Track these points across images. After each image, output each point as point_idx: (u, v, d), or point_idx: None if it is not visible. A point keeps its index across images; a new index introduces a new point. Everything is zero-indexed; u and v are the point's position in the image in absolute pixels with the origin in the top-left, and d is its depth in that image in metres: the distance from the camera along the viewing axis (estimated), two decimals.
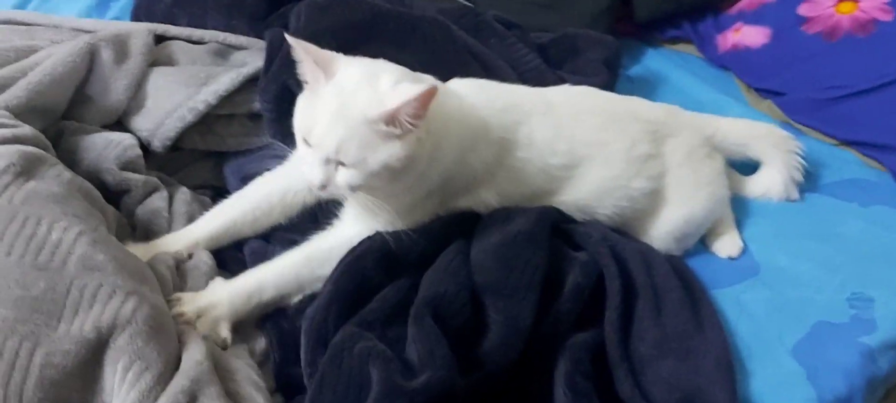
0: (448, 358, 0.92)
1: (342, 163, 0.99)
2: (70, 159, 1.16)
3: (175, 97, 1.25)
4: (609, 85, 1.59)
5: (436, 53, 1.37)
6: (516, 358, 1.01)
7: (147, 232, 1.17)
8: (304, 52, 1.01)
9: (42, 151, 1.03)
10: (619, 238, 1.20)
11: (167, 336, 0.89)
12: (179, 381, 0.83)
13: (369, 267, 1.02)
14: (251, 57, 1.37)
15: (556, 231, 1.17)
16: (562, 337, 1.06)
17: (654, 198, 1.28)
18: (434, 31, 1.42)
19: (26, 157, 0.99)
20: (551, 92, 1.31)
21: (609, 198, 1.25)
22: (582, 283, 1.10)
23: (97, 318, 0.84)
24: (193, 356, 0.87)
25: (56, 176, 1.00)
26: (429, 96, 0.97)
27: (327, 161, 0.99)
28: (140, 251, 1.10)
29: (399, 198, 1.08)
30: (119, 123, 1.27)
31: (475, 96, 1.18)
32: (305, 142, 1.01)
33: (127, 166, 1.17)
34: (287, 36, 1.03)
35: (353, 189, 1.01)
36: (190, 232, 1.16)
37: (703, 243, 1.36)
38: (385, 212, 1.07)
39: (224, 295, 1.04)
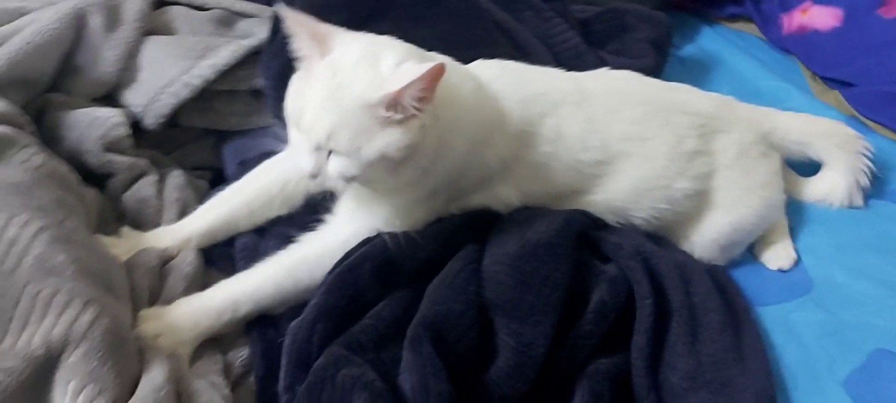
0: (446, 395, 0.80)
1: (335, 151, 0.88)
2: (52, 137, 1.07)
3: (170, 70, 1.15)
4: (656, 68, 1.44)
5: (459, 29, 1.22)
6: (528, 388, 0.89)
7: (136, 222, 1.07)
8: (297, 25, 0.89)
9: (12, 132, 0.94)
10: (655, 249, 1.06)
11: (127, 355, 0.79)
12: None
13: (364, 278, 0.90)
14: (258, 27, 1.25)
15: (583, 239, 1.04)
16: (581, 363, 0.94)
17: (698, 201, 1.14)
18: (458, 4, 1.28)
19: None
20: (588, 78, 1.17)
21: (646, 200, 1.11)
22: (608, 302, 0.97)
23: (48, 331, 0.75)
24: (153, 379, 0.77)
25: (23, 161, 0.90)
26: (435, 76, 0.84)
27: (318, 148, 0.88)
28: (126, 244, 1.01)
29: (400, 194, 0.97)
30: (110, 97, 1.17)
31: (496, 81, 1.05)
32: (297, 127, 0.90)
33: (112, 147, 1.07)
34: (282, 5, 0.91)
35: (347, 180, 0.90)
36: (182, 228, 1.05)
37: (751, 252, 1.22)
38: (384, 209, 0.96)
39: (188, 315, 0.92)
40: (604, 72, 1.22)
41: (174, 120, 1.19)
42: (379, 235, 0.96)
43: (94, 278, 0.82)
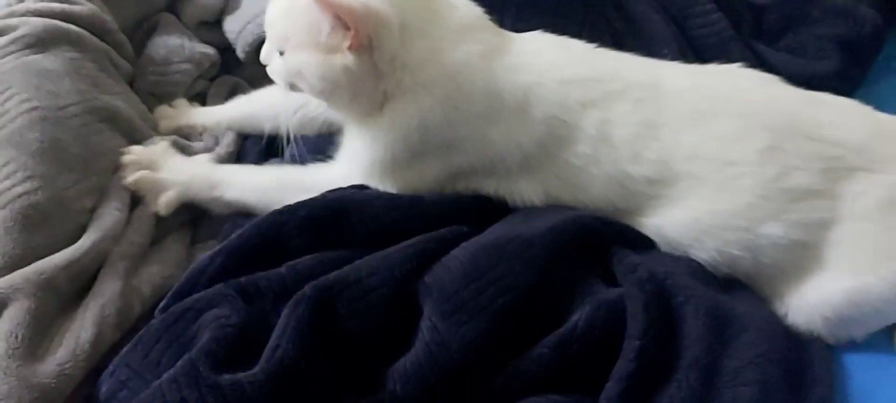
0: (291, 363, 0.69)
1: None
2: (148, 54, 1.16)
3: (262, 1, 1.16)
4: (842, 77, 1.10)
5: None
6: (426, 399, 0.74)
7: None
8: None
9: (80, 31, 1.03)
10: (688, 283, 0.81)
11: (46, 231, 0.82)
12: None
13: (292, 224, 0.82)
14: None
15: (589, 249, 0.84)
16: (519, 393, 0.76)
17: (798, 255, 0.85)
18: None
19: (48, 32, 0.98)
20: (673, 71, 0.94)
21: (712, 240, 0.86)
22: (580, 329, 0.77)
23: None
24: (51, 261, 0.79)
25: (64, 53, 0.98)
26: (333, 5, 0.77)
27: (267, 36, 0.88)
28: (172, 112, 1.09)
29: (374, 146, 0.88)
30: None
31: (535, 55, 0.90)
32: None
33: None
34: None
35: (285, 84, 0.87)
36: (214, 112, 1.10)
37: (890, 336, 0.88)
38: (364, 158, 0.89)
39: (186, 170, 0.95)
40: (713, 68, 0.96)
41: None
42: (350, 190, 0.88)
43: (57, 156, 0.86)
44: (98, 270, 0.83)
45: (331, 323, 0.74)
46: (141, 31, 1.20)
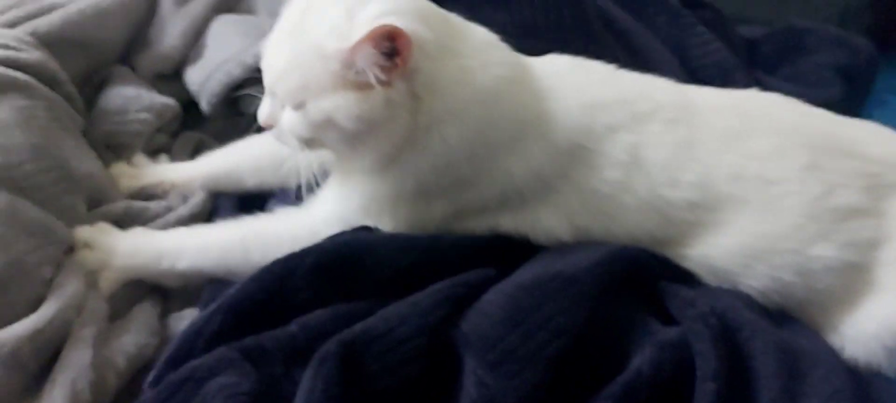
0: None
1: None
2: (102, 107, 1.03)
3: (229, 48, 1.06)
4: (845, 105, 1.06)
5: (545, 16, 0.98)
6: None
7: None
8: None
9: (28, 78, 0.90)
10: (750, 318, 0.73)
11: (3, 300, 0.70)
12: None
13: (299, 274, 0.70)
14: None
15: (636, 285, 0.75)
16: None
17: (850, 278, 0.78)
18: None
19: None
20: (700, 91, 0.88)
21: (763, 266, 0.78)
22: (645, 375, 0.66)
23: None
24: (45, 312, 0.68)
25: (11, 100, 0.85)
26: (388, 35, 0.67)
27: (272, 93, 0.76)
28: (133, 172, 0.97)
29: (381, 180, 0.78)
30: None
31: (557, 78, 0.82)
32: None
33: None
34: None
35: (300, 140, 0.75)
36: (188, 167, 0.98)
37: None
38: (362, 198, 0.78)
39: (129, 243, 0.82)
40: (737, 92, 0.91)
41: (236, 106, 1.10)
42: (355, 232, 0.77)
43: (14, 220, 0.74)
44: (61, 345, 0.68)
45: (360, 383, 0.62)
46: (90, 86, 1.07)
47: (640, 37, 1.05)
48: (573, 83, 0.82)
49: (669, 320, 0.74)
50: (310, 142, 0.75)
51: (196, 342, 0.65)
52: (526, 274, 0.73)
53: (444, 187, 0.77)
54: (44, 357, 0.67)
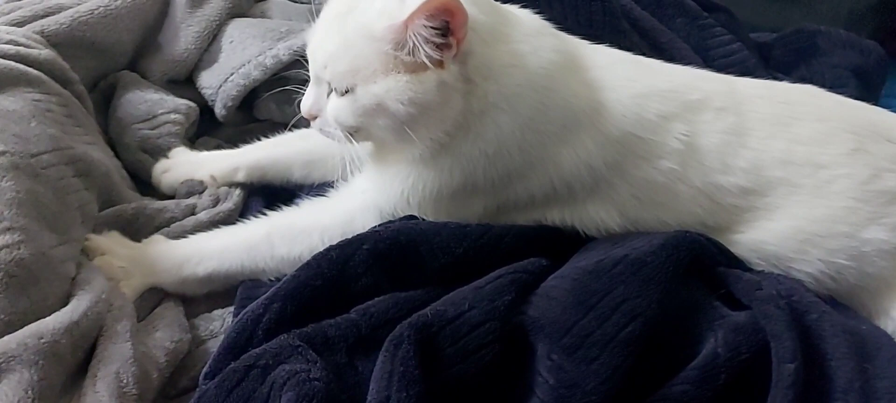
0: None
1: (333, 88, 0.72)
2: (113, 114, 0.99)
3: (246, 52, 1.03)
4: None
5: (580, 15, 0.97)
6: None
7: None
8: None
9: (39, 74, 0.85)
10: (814, 301, 0.71)
11: (35, 293, 0.64)
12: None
13: (356, 260, 0.67)
14: None
15: (698, 270, 0.73)
16: None
17: None
18: None
19: (2, 72, 0.81)
20: (746, 82, 0.87)
21: (817, 250, 0.78)
22: (722, 357, 0.64)
23: None
24: (71, 311, 0.62)
25: (25, 94, 0.81)
26: (444, 8, 0.65)
27: (318, 81, 0.73)
28: (171, 163, 0.93)
29: (426, 169, 0.74)
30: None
31: (607, 69, 0.80)
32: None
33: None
34: None
35: (346, 129, 0.72)
36: (232, 156, 0.93)
37: None
38: (404, 186, 0.75)
39: (149, 253, 0.77)
40: (774, 83, 0.91)
41: (251, 112, 1.06)
42: (397, 219, 0.74)
43: (37, 211, 0.69)
44: (97, 340, 0.63)
45: (435, 369, 0.58)
46: (97, 92, 1.02)
47: (664, 35, 1.05)
48: (623, 73, 0.81)
49: (734, 305, 0.72)
50: (357, 132, 0.73)
51: (255, 330, 0.61)
52: (585, 260, 0.71)
53: (492, 180, 0.75)
54: (81, 350, 0.63)
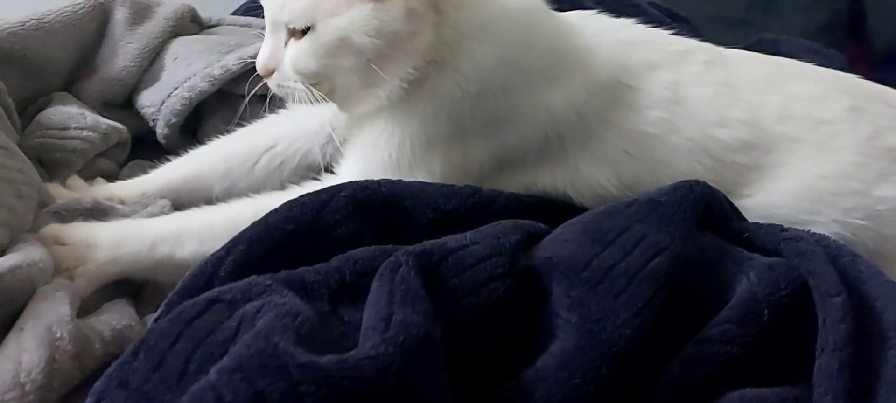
0: (420, 332, 0.43)
1: (294, 36, 0.65)
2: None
3: (192, 66, 0.95)
4: None
5: None
6: (595, 396, 0.48)
7: None
8: None
9: None
10: (843, 245, 0.65)
11: None
12: None
13: (333, 206, 0.57)
14: None
15: (713, 219, 0.66)
16: (709, 385, 0.52)
17: None
18: None
19: None
20: (729, 51, 0.84)
21: (831, 209, 0.72)
22: (761, 295, 0.56)
23: None
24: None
25: None
26: None
27: (275, 27, 0.66)
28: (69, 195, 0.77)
29: (402, 122, 0.68)
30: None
31: (586, 19, 0.77)
32: None
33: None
34: None
35: (307, 78, 0.65)
36: (138, 182, 0.81)
37: None
38: (384, 146, 0.68)
39: (109, 233, 0.64)
40: (762, 55, 0.88)
41: (197, 133, 0.97)
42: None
43: None
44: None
45: (439, 301, 0.48)
46: (26, 116, 0.91)
47: None
48: (601, 23, 0.77)
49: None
50: (319, 80, 0.66)
51: (216, 273, 0.50)
52: (592, 211, 0.63)
53: (480, 125, 0.68)
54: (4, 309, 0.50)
